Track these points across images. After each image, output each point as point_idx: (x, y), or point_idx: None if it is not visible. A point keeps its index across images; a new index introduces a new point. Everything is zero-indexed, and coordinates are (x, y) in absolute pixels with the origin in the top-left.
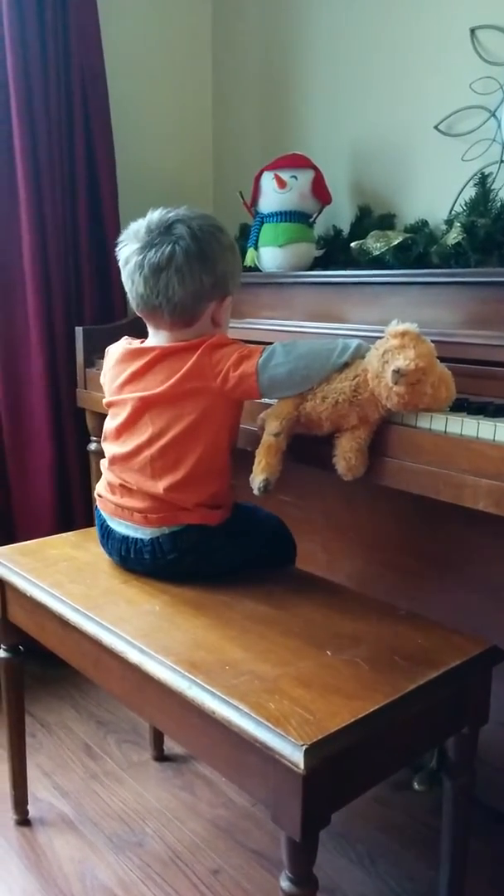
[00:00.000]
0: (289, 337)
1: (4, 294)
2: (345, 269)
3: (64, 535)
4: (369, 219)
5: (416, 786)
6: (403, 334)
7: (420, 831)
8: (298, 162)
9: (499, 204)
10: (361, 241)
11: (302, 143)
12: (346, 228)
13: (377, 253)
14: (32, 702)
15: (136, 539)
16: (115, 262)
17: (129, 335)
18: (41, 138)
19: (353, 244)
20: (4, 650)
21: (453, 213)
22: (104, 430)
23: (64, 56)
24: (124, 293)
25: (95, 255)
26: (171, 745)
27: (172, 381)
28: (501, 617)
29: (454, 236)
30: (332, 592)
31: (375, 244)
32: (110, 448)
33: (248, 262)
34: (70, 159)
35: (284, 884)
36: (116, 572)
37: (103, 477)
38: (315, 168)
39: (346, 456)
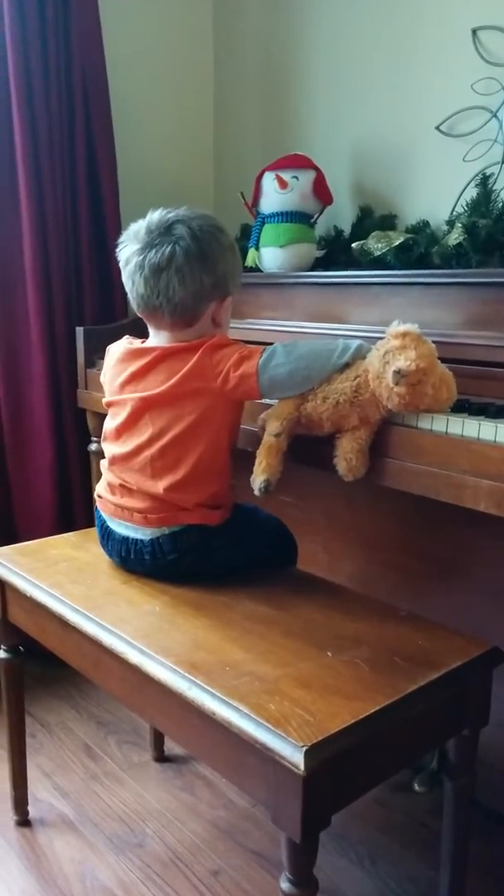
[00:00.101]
0: (290, 337)
1: (5, 294)
2: (346, 270)
3: (64, 535)
4: (370, 219)
5: (416, 787)
6: (404, 335)
7: (420, 832)
8: (300, 162)
9: (500, 205)
10: (363, 242)
11: (303, 143)
12: (347, 229)
13: (378, 253)
14: (33, 702)
15: (136, 540)
16: (116, 262)
17: (130, 335)
18: (42, 137)
19: (354, 245)
20: (4, 650)
21: (455, 213)
22: (104, 430)
23: (65, 55)
24: (125, 293)
25: (96, 255)
26: (171, 746)
27: (173, 381)
28: (502, 618)
29: (455, 237)
30: (332, 593)
31: (377, 245)
32: (110, 448)
33: (250, 262)
34: (71, 159)
35: (284, 885)
36: (116, 573)
37: (103, 477)
38: (316, 168)
39: (347, 456)
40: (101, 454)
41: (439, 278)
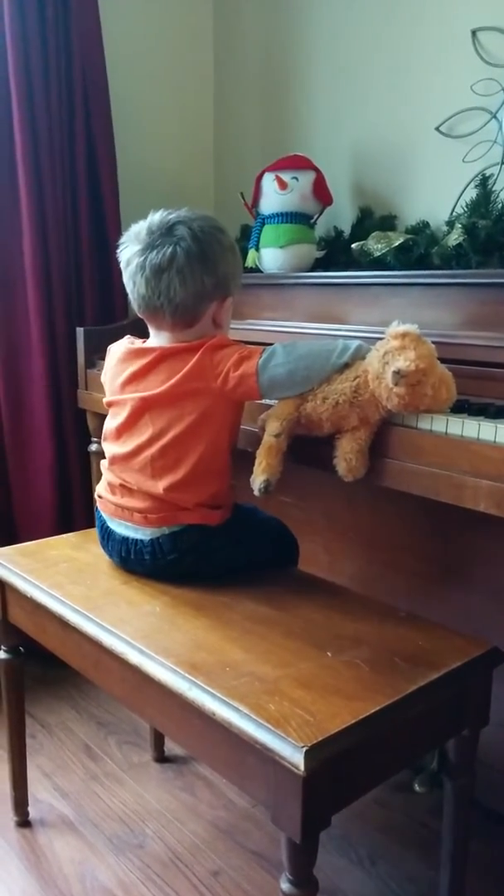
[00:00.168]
0: (290, 338)
1: (5, 293)
2: (346, 271)
3: (64, 535)
4: (370, 220)
5: (416, 787)
6: (404, 335)
7: (420, 833)
8: (299, 163)
9: (500, 205)
10: (362, 243)
11: (303, 144)
12: (347, 229)
13: (378, 254)
14: (33, 703)
15: (136, 540)
16: (117, 262)
17: (131, 335)
18: (42, 137)
19: (354, 245)
20: (5, 651)
21: (454, 214)
22: (104, 429)
23: (65, 55)
24: (125, 294)
25: (96, 255)
26: (171, 747)
27: (173, 381)
28: (502, 618)
29: (455, 238)
30: (332, 593)
31: (376, 245)
32: (110, 448)
33: (250, 263)
34: (71, 158)
35: (284, 885)
36: (117, 573)
37: (103, 477)
38: (316, 169)
39: (347, 457)
40: (101, 454)
41: (439, 279)
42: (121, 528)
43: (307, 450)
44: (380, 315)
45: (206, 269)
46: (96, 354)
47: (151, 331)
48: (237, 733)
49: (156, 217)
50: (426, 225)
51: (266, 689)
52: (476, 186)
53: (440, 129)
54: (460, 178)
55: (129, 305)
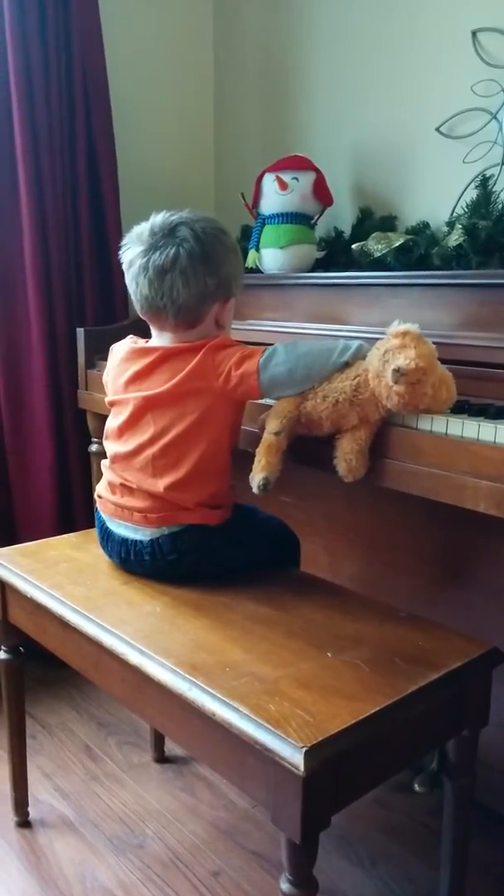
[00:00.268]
0: (290, 338)
1: (5, 293)
2: (346, 271)
3: (64, 536)
4: (370, 220)
5: (416, 787)
6: (404, 334)
7: (420, 833)
8: (300, 163)
9: (500, 206)
10: (363, 243)
11: (303, 144)
12: (347, 230)
13: (378, 255)
14: (33, 703)
15: (136, 541)
16: (117, 263)
17: (133, 335)
18: (42, 136)
19: (354, 246)
20: (5, 651)
21: (454, 215)
22: (106, 428)
23: (65, 54)
24: (126, 294)
25: (97, 254)
26: (171, 747)
27: (175, 380)
28: (502, 618)
29: (455, 238)
30: (333, 594)
31: (377, 246)
32: (112, 447)
33: (250, 263)
34: (71, 158)
35: (284, 885)
36: (117, 573)
37: (104, 477)
38: (316, 170)
39: (347, 457)
40: (101, 455)
41: (439, 279)
42: (120, 528)
43: (307, 450)
44: (380, 316)
45: (209, 270)
46: (97, 355)
47: (154, 332)
48: (237, 734)
49: (158, 218)
50: (426, 225)
51: (266, 690)
52: (476, 187)
53: (440, 129)
54: (460, 179)
55: (130, 305)
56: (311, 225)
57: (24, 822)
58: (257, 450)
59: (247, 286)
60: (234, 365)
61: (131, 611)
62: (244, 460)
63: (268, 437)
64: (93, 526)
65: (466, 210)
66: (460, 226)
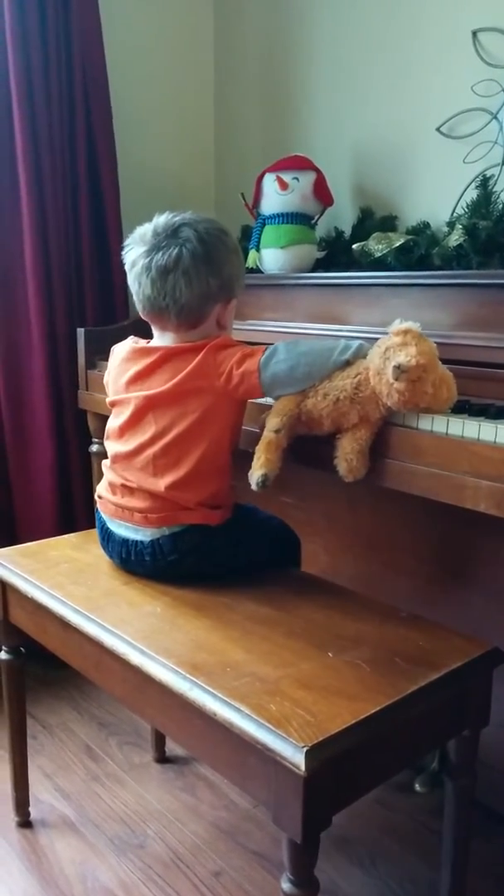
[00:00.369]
0: (291, 338)
1: (6, 293)
2: (346, 271)
3: (65, 536)
4: (371, 220)
5: (417, 787)
6: (406, 332)
7: (421, 833)
8: (300, 163)
9: (500, 206)
10: (363, 243)
11: (303, 144)
12: (347, 230)
13: (379, 255)
14: (34, 703)
15: (137, 541)
16: (117, 263)
17: (134, 335)
18: (42, 135)
19: (354, 246)
20: (6, 652)
21: (455, 215)
22: (107, 428)
23: (65, 54)
24: (126, 294)
25: (97, 254)
26: (172, 747)
27: (177, 379)
28: (502, 618)
29: (456, 238)
30: (333, 594)
31: (377, 246)
32: (113, 446)
33: (250, 263)
34: (71, 157)
35: (285, 885)
36: (117, 574)
37: (104, 478)
38: (317, 170)
39: (348, 457)
40: (102, 455)
41: (440, 279)
42: (121, 529)
43: (307, 450)
44: (380, 315)
45: (212, 271)
46: (97, 355)
47: (155, 332)
48: (238, 734)
49: (161, 219)
50: (427, 226)
51: (267, 690)
52: (477, 187)
53: (441, 129)
54: (461, 179)
55: (130, 305)
56: (311, 225)
57: (24, 823)
58: (257, 447)
59: (247, 286)
60: (236, 364)
61: (132, 611)
62: (245, 460)
63: (268, 434)
64: (93, 526)
65: (467, 210)
66: (461, 226)
